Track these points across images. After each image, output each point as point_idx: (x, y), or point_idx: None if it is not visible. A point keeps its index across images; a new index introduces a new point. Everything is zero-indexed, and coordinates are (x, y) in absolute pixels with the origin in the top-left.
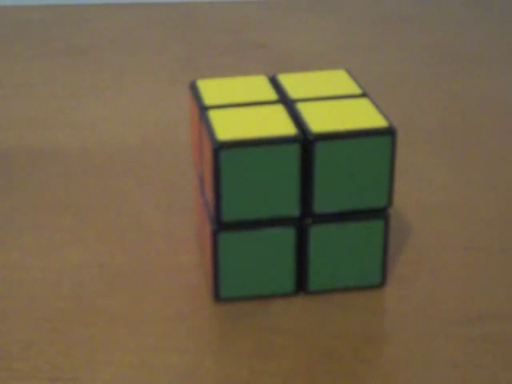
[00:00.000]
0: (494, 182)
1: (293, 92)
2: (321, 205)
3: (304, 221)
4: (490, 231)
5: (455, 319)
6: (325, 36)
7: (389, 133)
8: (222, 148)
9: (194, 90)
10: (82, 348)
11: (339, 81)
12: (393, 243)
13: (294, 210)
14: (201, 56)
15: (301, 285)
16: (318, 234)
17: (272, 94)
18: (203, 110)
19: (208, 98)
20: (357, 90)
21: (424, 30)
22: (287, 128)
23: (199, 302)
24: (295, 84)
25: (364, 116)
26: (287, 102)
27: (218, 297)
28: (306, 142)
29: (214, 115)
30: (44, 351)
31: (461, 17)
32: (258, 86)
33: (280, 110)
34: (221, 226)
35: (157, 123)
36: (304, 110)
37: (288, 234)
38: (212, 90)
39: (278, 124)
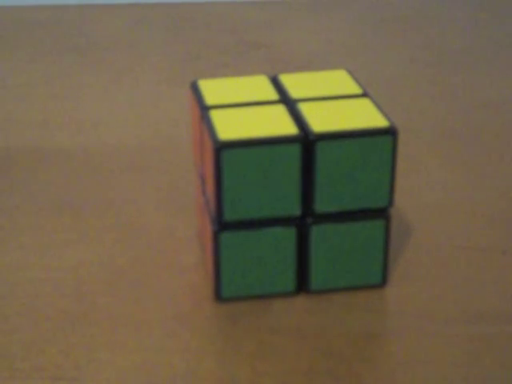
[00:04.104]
0: (494, 182)
1: (294, 92)
2: (322, 204)
3: (305, 220)
4: (489, 231)
5: (455, 319)
6: (325, 36)
7: (390, 133)
8: (223, 148)
9: (196, 90)
10: (83, 347)
11: (340, 81)
12: (394, 243)
13: (295, 210)
14: (201, 56)
15: (302, 284)
16: (319, 234)
17: (273, 94)
18: (204, 109)
19: (209, 98)
20: (358, 90)
21: (424, 30)
22: (288, 128)
23: (200, 302)
24: (296, 84)
25: (365, 116)
26: (288, 102)
27: (219, 296)
28: (307, 141)
29: (215, 115)
30: (45, 351)
31: (460, 17)
32: (260, 86)
33: (281, 110)
34: (222, 225)
35: (157, 123)
36: (305, 109)
37: (289, 234)
38: (213, 89)
39: (279, 124)
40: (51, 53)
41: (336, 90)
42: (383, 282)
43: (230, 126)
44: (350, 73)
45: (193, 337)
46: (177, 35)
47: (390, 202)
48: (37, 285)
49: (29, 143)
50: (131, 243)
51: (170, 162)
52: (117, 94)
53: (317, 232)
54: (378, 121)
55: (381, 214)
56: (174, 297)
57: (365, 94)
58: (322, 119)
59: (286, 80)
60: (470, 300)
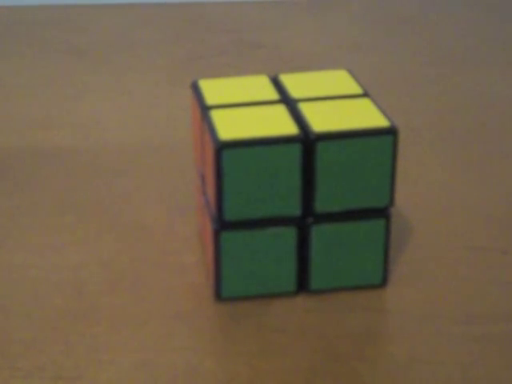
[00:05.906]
0: (494, 182)
1: (294, 92)
2: (322, 204)
3: (305, 220)
4: (490, 231)
5: (456, 319)
6: (325, 36)
7: (390, 132)
8: (224, 148)
9: (196, 90)
10: (84, 347)
11: (340, 81)
12: (394, 243)
13: (296, 210)
14: (201, 56)
15: (302, 284)
16: (319, 234)
17: (274, 94)
18: (205, 109)
19: (210, 98)
20: (358, 90)
21: (424, 30)
22: (289, 128)
23: (201, 302)
24: (297, 84)
25: (365, 116)
26: (289, 102)
27: (219, 296)
28: (307, 141)
29: (215, 115)
30: (46, 350)
31: (461, 17)
32: (260, 86)
33: (282, 110)
34: (222, 225)
35: (157, 123)
36: (306, 109)
37: (289, 234)
38: (214, 89)
39: (279, 124)
40: (51, 52)
41: (336, 89)
42: (383, 281)
43: (231, 126)
44: (351, 73)
45: (193, 336)
46: (177, 35)
47: (391, 201)
48: (37, 284)
49: (29, 143)
50: (131, 243)
51: (170, 161)
52: (117, 93)
53: (317, 232)
54: (379, 120)
55: (381, 213)
56: (174, 296)
57: (365, 94)
58: (322, 119)
59: (287, 80)
60: (471, 300)
